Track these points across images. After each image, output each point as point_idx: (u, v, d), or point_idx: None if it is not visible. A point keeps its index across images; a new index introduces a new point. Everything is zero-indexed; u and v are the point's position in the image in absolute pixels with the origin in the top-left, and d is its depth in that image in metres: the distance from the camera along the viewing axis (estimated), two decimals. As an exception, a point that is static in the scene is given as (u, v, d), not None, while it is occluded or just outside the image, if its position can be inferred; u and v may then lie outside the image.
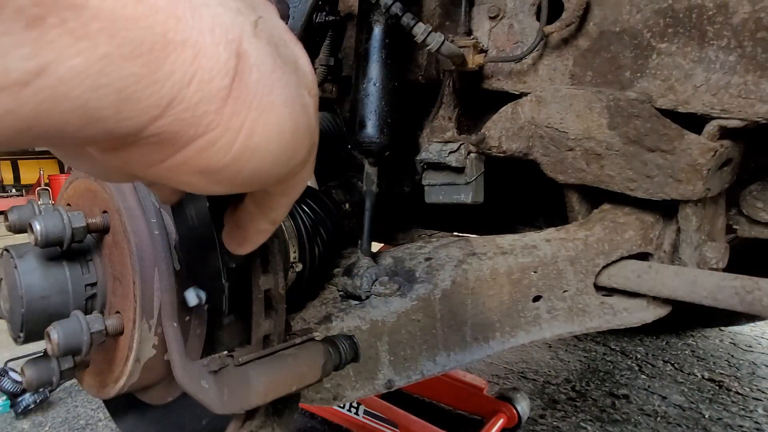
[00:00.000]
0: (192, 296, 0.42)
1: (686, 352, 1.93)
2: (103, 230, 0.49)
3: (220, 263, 0.42)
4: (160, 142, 0.20)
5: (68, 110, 0.17)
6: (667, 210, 0.72)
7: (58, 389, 1.62)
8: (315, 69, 0.91)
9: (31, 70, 0.16)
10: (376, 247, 0.79)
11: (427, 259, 0.69)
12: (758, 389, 1.67)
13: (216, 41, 0.20)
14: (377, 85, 0.73)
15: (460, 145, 0.75)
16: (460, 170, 0.75)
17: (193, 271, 0.46)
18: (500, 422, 1.31)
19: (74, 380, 0.53)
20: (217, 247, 0.42)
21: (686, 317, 1.92)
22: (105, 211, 0.50)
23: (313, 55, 0.86)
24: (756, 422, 1.49)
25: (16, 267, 0.46)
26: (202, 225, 0.42)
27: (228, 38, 0.20)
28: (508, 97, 0.76)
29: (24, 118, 0.17)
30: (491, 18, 0.75)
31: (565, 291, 0.69)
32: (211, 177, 0.23)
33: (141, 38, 0.18)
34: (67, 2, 0.16)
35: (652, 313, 0.72)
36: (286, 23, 0.59)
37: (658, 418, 1.49)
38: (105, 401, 0.63)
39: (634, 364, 1.83)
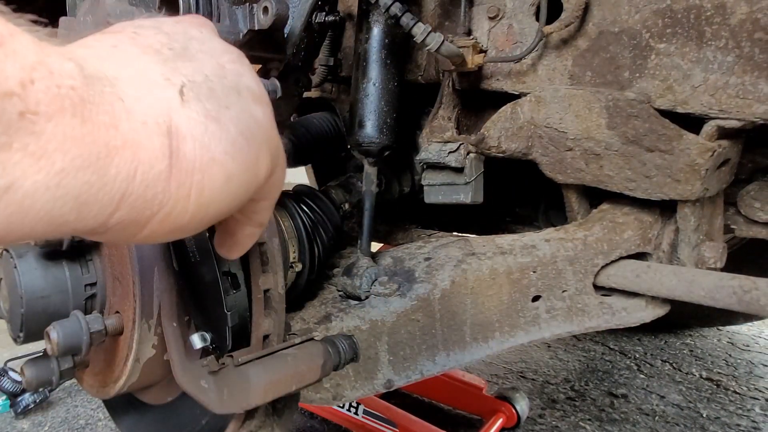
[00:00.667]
0: (197, 340, 0.42)
1: (684, 351, 1.94)
2: (102, 230, 0.49)
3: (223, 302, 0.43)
4: (125, 226, 0.24)
5: (35, 219, 0.21)
6: (665, 210, 0.72)
7: (57, 389, 1.62)
8: (315, 69, 0.91)
9: (0, 187, 0.19)
10: (375, 247, 0.79)
11: (427, 259, 0.69)
12: (755, 388, 1.68)
13: (149, 132, 0.23)
14: (377, 85, 0.73)
15: (460, 145, 0.75)
16: (459, 170, 0.76)
17: (196, 309, 0.47)
18: (499, 422, 1.31)
19: (74, 380, 0.53)
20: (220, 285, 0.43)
21: (684, 317, 1.93)
22: (104, 211, 0.50)
23: (313, 55, 0.86)
24: (753, 421, 1.50)
25: (15, 267, 0.46)
26: (203, 257, 0.43)
27: (158, 122, 0.24)
28: (507, 98, 0.76)
29: (2, 224, 0.20)
30: (490, 18, 0.75)
31: (564, 291, 0.69)
32: (181, 232, 0.27)
33: (88, 151, 0.21)
34: (28, 130, 0.19)
35: (651, 313, 0.72)
36: (286, 23, 0.59)
37: (657, 418, 1.50)
38: (104, 401, 0.63)
39: (632, 364, 1.83)
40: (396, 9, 0.64)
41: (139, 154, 0.23)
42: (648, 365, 1.82)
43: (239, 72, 0.29)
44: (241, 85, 0.29)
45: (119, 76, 0.24)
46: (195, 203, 0.25)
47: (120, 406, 0.60)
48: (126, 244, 0.27)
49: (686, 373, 1.77)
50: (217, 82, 0.28)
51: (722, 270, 0.69)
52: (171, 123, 0.24)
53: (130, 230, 0.25)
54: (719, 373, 1.78)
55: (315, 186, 1.13)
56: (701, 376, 1.75)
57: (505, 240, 0.71)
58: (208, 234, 0.42)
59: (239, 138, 0.27)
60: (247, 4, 0.56)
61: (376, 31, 0.73)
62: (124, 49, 0.26)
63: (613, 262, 0.70)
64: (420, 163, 0.79)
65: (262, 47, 0.59)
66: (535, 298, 0.68)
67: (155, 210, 0.24)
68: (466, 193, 0.76)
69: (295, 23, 0.65)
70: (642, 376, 1.75)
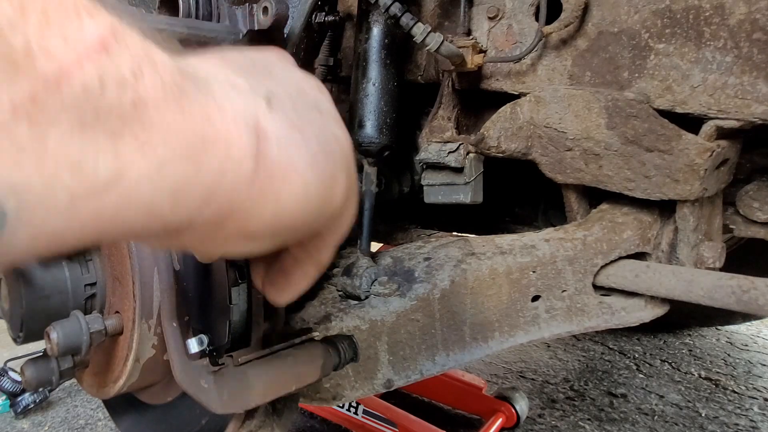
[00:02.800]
0: (194, 344, 0.42)
1: (683, 351, 1.94)
2: (102, 230, 0.49)
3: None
4: (207, 225, 0.24)
5: (137, 211, 0.21)
6: (664, 210, 0.72)
7: (57, 389, 1.62)
8: (314, 69, 0.91)
9: (112, 175, 0.19)
10: (375, 247, 0.79)
11: (426, 259, 0.69)
12: (754, 387, 1.68)
13: (240, 130, 0.24)
14: (376, 85, 0.73)
15: (459, 145, 0.75)
16: (459, 170, 0.76)
17: (196, 309, 0.47)
18: (499, 422, 1.32)
19: (74, 380, 0.53)
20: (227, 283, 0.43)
21: (683, 316, 1.93)
22: (104, 211, 0.50)
23: (312, 55, 0.86)
24: (751, 420, 1.50)
25: (15, 267, 0.46)
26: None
27: (248, 123, 0.24)
28: (507, 98, 0.76)
29: (103, 221, 0.20)
30: (490, 18, 0.75)
31: (563, 291, 0.69)
32: (251, 241, 0.26)
33: (186, 142, 0.21)
34: (139, 119, 0.20)
35: (650, 313, 0.72)
36: (286, 23, 0.59)
37: (656, 417, 1.50)
38: (104, 401, 0.63)
39: (631, 364, 1.83)
40: (395, 9, 0.64)
41: (231, 150, 0.23)
42: (647, 365, 1.82)
43: (318, 97, 0.30)
44: (322, 106, 0.30)
45: (209, 79, 0.24)
46: (271, 210, 0.25)
47: (120, 406, 0.60)
48: (200, 250, 0.27)
49: (685, 373, 1.77)
50: (299, 100, 0.28)
51: (721, 270, 0.69)
52: (259, 125, 0.25)
53: (208, 231, 0.24)
54: (718, 372, 1.78)
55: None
56: (700, 376, 1.75)
57: (504, 240, 0.71)
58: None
59: (320, 152, 0.27)
60: (247, 4, 0.56)
61: (376, 31, 0.73)
62: (212, 62, 0.27)
63: (612, 261, 0.70)
64: (420, 163, 0.79)
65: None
66: (535, 298, 0.69)
67: (235, 210, 0.24)
68: (465, 193, 0.76)
69: (295, 23, 0.65)
70: (641, 375, 1.75)
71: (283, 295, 0.34)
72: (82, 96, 0.18)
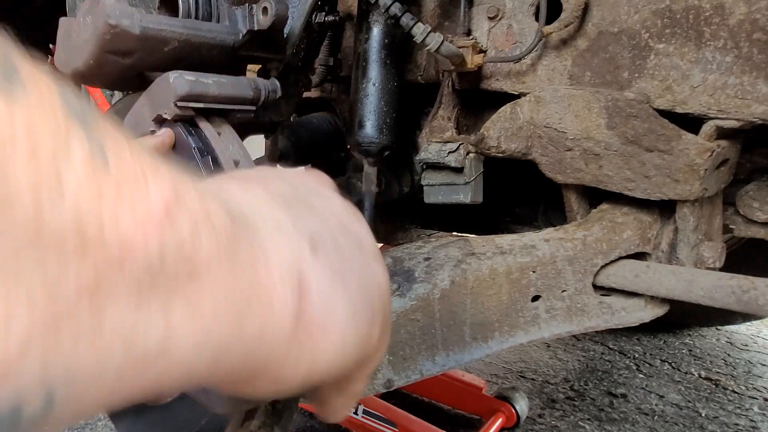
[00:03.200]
0: None
1: (683, 351, 1.94)
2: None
3: None
4: (240, 378, 0.23)
5: (176, 376, 0.20)
6: (664, 210, 0.72)
7: (56, 389, 1.61)
8: (314, 69, 0.92)
9: (160, 345, 0.18)
10: (375, 246, 0.79)
11: (426, 259, 0.69)
12: (754, 387, 1.68)
13: (284, 285, 0.22)
14: (376, 85, 0.73)
15: (459, 145, 0.75)
16: (459, 170, 0.76)
17: None
18: (499, 422, 1.32)
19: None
20: None
21: (683, 316, 1.93)
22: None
23: (312, 55, 0.86)
24: (751, 420, 1.50)
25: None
26: None
27: (292, 276, 0.23)
28: (507, 98, 0.76)
29: (143, 389, 0.19)
30: (490, 18, 0.75)
31: (563, 291, 0.69)
32: (285, 389, 0.25)
33: (234, 304, 0.20)
34: (191, 284, 0.18)
35: (650, 313, 0.72)
36: (285, 23, 0.59)
37: (656, 417, 1.50)
38: (104, 401, 0.63)
39: (632, 364, 1.83)
40: (396, 9, 0.64)
41: (273, 307, 0.22)
42: (647, 365, 1.82)
43: (359, 230, 0.29)
44: (363, 241, 0.29)
45: (256, 220, 0.23)
46: (305, 369, 0.24)
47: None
48: (228, 392, 0.26)
49: (685, 373, 1.77)
50: (341, 236, 0.27)
51: (721, 270, 0.69)
52: (302, 277, 0.23)
53: (241, 383, 0.24)
54: (718, 372, 1.78)
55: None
56: (700, 376, 1.75)
57: (504, 240, 0.71)
58: None
59: (359, 301, 0.26)
60: (247, 4, 0.56)
61: (376, 31, 0.73)
62: (254, 192, 0.25)
63: (612, 261, 0.70)
64: (420, 163, 0.79)
65: (262, 47, 0.59)
66: (535, 298, 0.69)
67: (271, 365, 0.23)
68: (465, 193, 0.76)
69: (294, 23, 0.65)
70: (641, 375, 1.75)
71: (328, 420, 0.33)
72: (143, 271, 0.17)
